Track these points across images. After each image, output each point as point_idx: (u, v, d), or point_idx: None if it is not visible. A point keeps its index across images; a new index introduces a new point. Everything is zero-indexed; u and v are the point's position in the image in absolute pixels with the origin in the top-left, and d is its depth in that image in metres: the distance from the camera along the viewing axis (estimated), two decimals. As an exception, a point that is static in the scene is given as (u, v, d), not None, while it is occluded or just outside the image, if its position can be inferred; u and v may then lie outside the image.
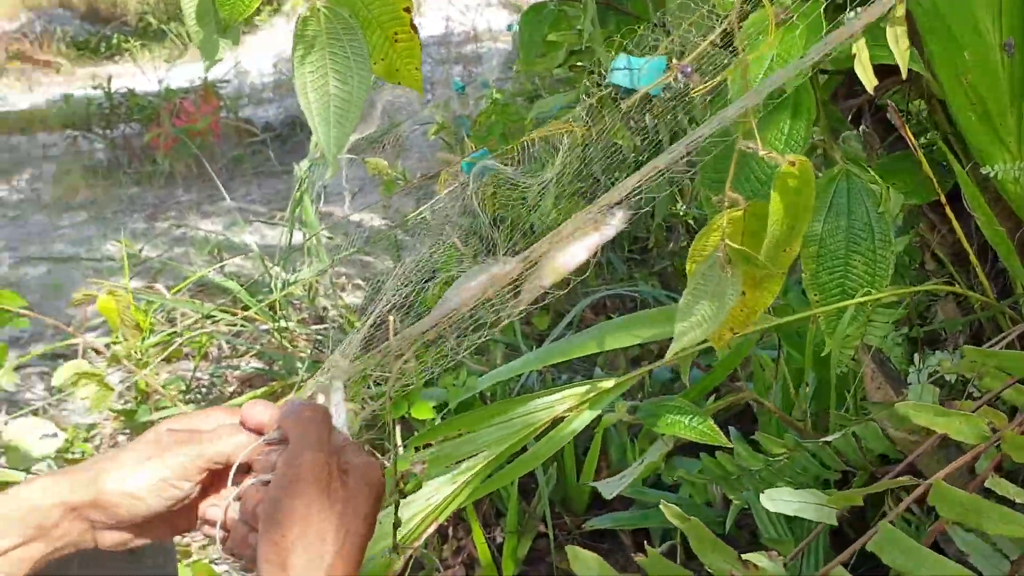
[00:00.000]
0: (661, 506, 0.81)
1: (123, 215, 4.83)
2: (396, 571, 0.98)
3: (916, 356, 1.19)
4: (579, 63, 1.37)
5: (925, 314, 1.27)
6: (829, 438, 0.96)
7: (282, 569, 0.65)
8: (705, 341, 0.88)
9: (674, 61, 0.84)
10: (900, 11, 0.66)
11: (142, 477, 0.67)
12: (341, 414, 0.78)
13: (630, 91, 0.99)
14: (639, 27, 1.02)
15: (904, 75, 0.70)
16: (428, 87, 7.27)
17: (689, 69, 0.77)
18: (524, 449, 1.02)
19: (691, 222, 2.76)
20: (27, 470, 1.37)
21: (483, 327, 0.82)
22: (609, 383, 0.96)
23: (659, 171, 0.70)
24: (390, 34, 0.92)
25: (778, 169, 0.73)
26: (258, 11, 9.62)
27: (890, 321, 1.07)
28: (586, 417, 0.95)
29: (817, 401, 1.43)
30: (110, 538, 0.70)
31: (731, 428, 1.65)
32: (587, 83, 1.12)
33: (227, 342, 2.50)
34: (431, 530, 0.90)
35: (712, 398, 1.68)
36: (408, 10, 0.92)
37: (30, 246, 4.30)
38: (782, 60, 0.91)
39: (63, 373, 1.63)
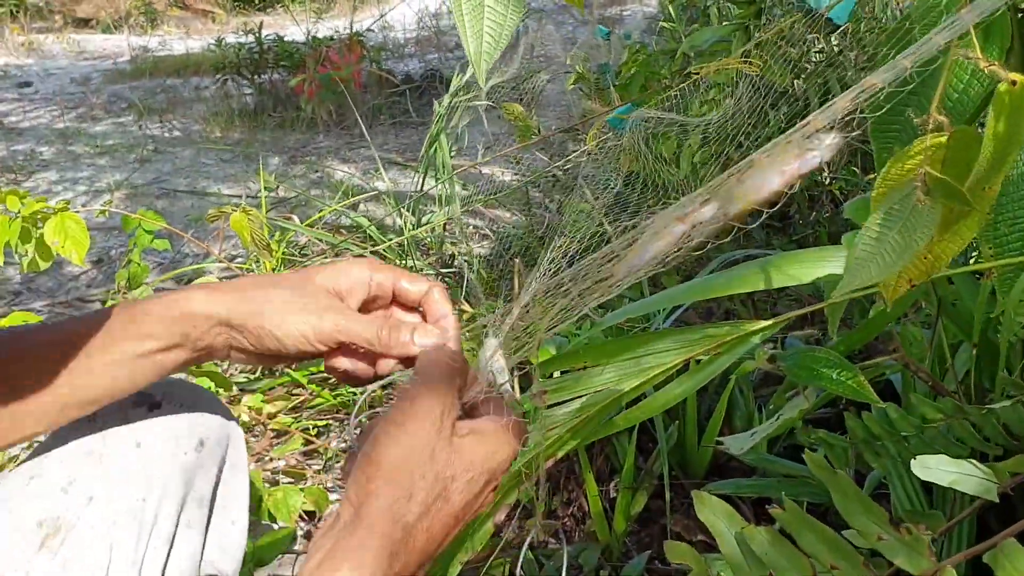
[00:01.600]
0: (805, 455, 0.73)
1: (266, 156, 4.95)
2: (503, 510, 0.94)
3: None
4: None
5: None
6: (995, 406, 0.86)
7: (357, 512, 0.59)
8: (865, 289, 0.79)
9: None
10: None
11: (293, 326, 0.70)
12: (497, 368, 0.72)
13: (810, 13, 0.90)
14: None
15: None
16: (569, 48, 7.18)
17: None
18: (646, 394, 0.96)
19: (836, 192, 2.61)
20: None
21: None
22: (752, 326, 0.88)
23: (878, 90, 0.60)
24: None
25: (998, 87, 0.64)
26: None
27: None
28: (723, 361, 0.87)
29: (975, 375, 1.31)
30: (240, 357, 0.74)
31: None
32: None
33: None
34: (544, 467, 0.84)
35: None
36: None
37: (178, 179, 4.45)
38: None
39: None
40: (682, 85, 1.13)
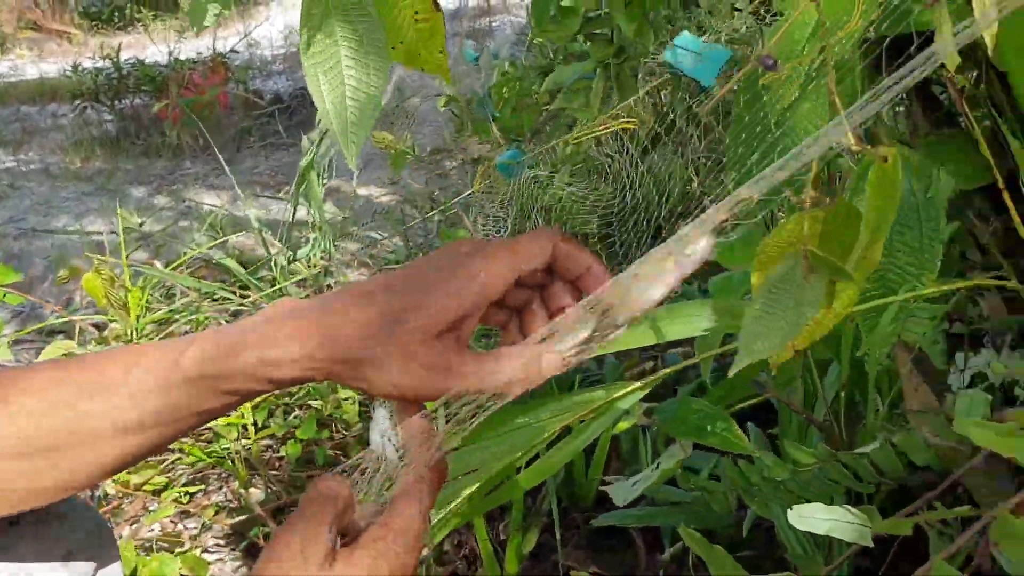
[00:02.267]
0: (680, 531, 0.72)
1: (129, 187, 4.75)
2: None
3: (957, 355, 1.10)
4: (597, 31, 1.27)
5: (967, 310, 1.17)
6: (866, 449, 0.87)
7: None
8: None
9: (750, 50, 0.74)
10: None
11: (388, 390, 0.58)
12: (388, 444, 0.66)
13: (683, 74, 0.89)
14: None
15: (991, 52, 0.60)
16: (442, 60, 7.14)
17: (772, 60, 0.66)
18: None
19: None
20: None
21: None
22: (621, 391, 0.87)
23: (750, 200, 0.59)
24: (409, 14, 0.81)
25: (874, 165, 0.63)
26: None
27: (933, 317, 0.98)
28: (600, 424, 0.86)
29: (842, 399, 1.34)
30: None
31: (750, 424, 1.56)
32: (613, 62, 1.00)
33: (226, 321, 2.42)
34: (427, 550, 0.81)
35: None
36: (430, -16, 0.81)
37: (36, 217, 4.23)
38: (829, 23, 0.81)
39: (49, 354, 1.55)
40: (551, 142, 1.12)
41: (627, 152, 0.86)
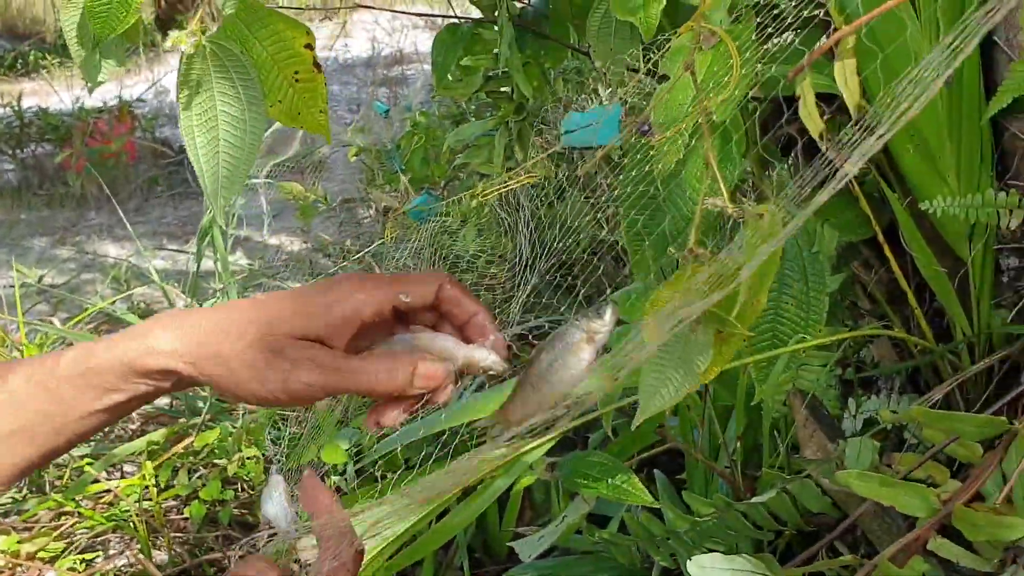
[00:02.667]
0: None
1: (31, 238, 4.60)
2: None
3: (850, 400, 1.13)
4: (497, 89, 1.29)
5: (858, 354, 1.21)
6: (762, 498, 0.89)
7: None
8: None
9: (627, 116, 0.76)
10: (850, 43, 0.59)
11: (256, 394, 0.59)
12: (280, 512, 0.65)
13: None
14: (563, 53, 0.95)
15: (853, 114, 0.63)
16: (355, 108, 7.16)
17: (647, 126, 0.68)
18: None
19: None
20: None
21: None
22: (526, 446, 0.87)
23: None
24: (289, 74, 0.82)
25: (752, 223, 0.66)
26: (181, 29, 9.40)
27: (824, 365, 1.01)
28: (500, 484, 0.86)
29: (745, 442, 1.36)
30: None
31: (656, 472, 1.58)
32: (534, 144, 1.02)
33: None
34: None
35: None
36: (310, 47, 0.82)
37: (-70, 271, 4.06)
38: (709, 88, 0.84)
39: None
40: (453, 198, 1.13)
41: (524, 208, 0.88)
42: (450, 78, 1.29)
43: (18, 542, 1.58)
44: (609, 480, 0.91)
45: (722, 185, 0.63)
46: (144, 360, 0.59)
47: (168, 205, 4.99)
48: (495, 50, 1.22)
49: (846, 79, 0.58)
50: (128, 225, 2.88)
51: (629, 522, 0.97)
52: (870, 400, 1.08)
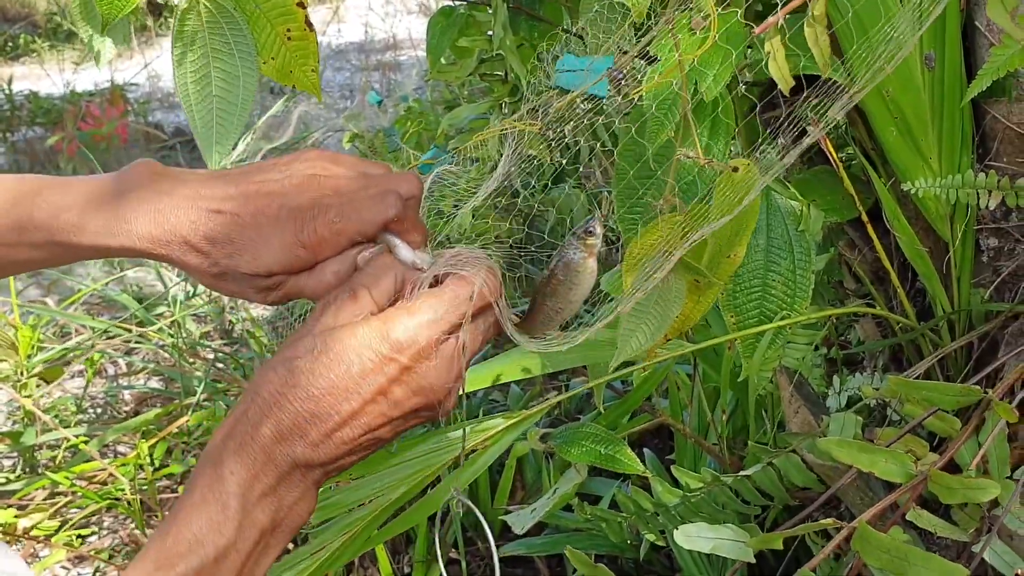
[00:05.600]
0: (567, 552, 0.74)
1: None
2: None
3: (835, 378, 1.16)
4: (491, 71, 1.31)
5: (844, 334, 1.24)
6: (748, 472, 0.91)
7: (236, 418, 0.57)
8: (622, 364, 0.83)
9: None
10: (820, 9, 0.61)
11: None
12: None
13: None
14: (555, 33, 0.97)
15: (824, 76, 0.66)
16: (348, 94, 7.15)
17: (619, 74, 0.71)
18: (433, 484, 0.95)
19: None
20: None
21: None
22: (515, 417, 0.90)
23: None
24: (281, 31, 0.84)
25: (720, 174, 0.69)
26: (166, 16, 9.37)
27: (809, 343, 1.03)
28: (493, 452, 0.88)
29: (734, 422, 1.39)
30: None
31: (646, 450, 1.61)
32: (530, 80, 1.02)
33: (122, 359, 2.37)
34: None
35: (628, 418, 1.63)
36: (302, 5, 0.84)
37: (-82, 255, 4.06)
38: (700, 71, 0.86)
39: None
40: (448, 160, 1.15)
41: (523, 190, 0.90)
42: (444, 61, 1.30)
43: (15, 516, 1.59)
44: (601, 449, 0.93)
45: (695, 138, 0.66)
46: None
47: (161, 189, 4.99)
48: (489, 32, 1.24)
49: (816, 38, 0.61)
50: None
51: (619, 498, 0.99)
52: (854, 378, 1.10)
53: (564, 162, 1.09)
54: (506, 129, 0.94)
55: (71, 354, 2.28)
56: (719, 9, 0.87)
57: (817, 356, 1.16)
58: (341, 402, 0.56)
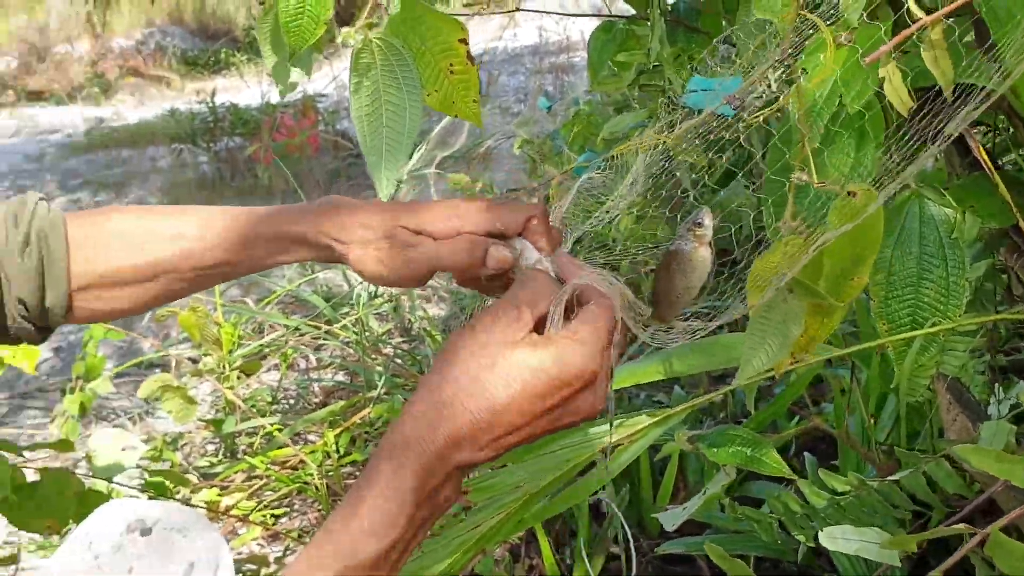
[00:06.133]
0: (706, 547, 0.78)
1: (223, 227, 4.98)
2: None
3: (996, 385, 1.13)
4: (649, 83, 1.35)
5: (1011, 340, 1.21)
6: (895, 477, 0.92)
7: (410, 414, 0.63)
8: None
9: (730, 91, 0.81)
10: (937, 34, 0.63)
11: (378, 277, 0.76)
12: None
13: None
14: (711, 44, 1.00)
15: (948, 97, 0.67)
16: (523, 97, 7.31)
17: (738, 101, 0.75)
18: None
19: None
20: (108, 479, 1.42)
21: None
22: (662, 415, 0.94)
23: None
24: (445, 66, 0.92)
25: (835, 200, 0.71)
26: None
27: (966, 350, 1.02)
28: (637, 448, 0.93)
29: (897, 428, 1.37)
30: None
31: (806, 454, 1.60)
32: (661, 103, 1.08)
33: (313, 354, 2.55)
34: (474, 562, 0.88)
35: (796, 420, 1.63)
36: (464, 41, 0.92)
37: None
38: (845, 85, 0.88)
39: (148, 387, 1.69)
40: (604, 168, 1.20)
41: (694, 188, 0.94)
42: (604, 73, 1.36)
43: (218, 494, 1.77)
44: (747, 452, 0.96)
45: (810, 162, 0.68)
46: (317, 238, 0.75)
47: (348, 195, 5.28)
48: (648, 46, 1.28)
49: (936, 60, 0.63)
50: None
51: (769, 500, 1.02)
52: (1017, 385, 1.08)
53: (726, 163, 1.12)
54: (642, 144, 0.99)
55: (267, 349, 2.48)
56: (864, 21, 0.89)
57: (980, 363, 1.14)
58: (514, 417, 0.63)
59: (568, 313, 0.68)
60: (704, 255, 0.71)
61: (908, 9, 0.80)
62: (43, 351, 3.21)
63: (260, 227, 0.77)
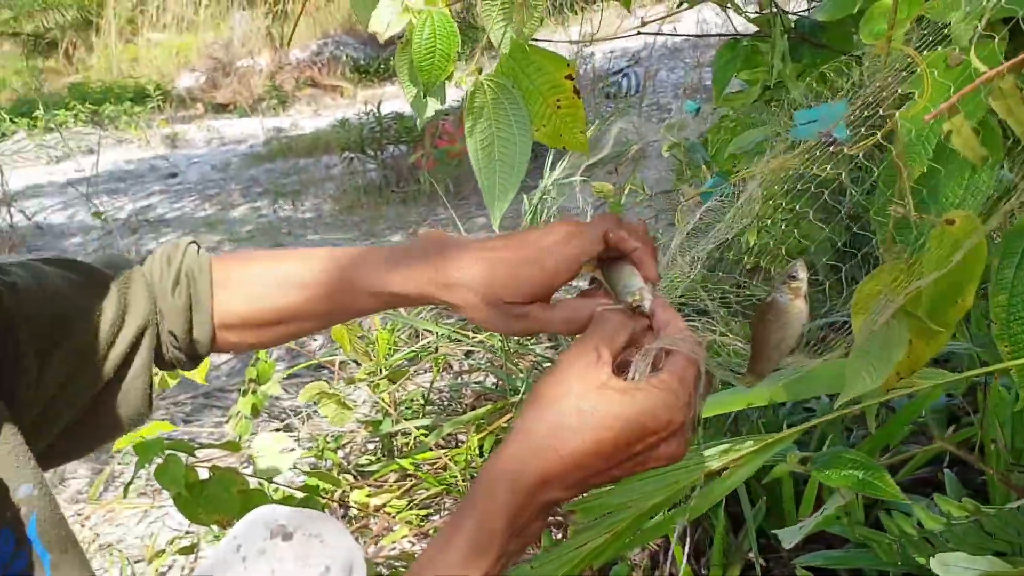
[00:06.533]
0: (876, 546, 0.79)
1: (389, 232, 5.21)
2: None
3: None
4: (776, 98, 1.35)
5: None
6: (1013, 504, 0.90)
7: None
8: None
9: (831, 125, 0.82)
10: (1008, 83, 0.63)
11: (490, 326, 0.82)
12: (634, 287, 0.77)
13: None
14: (838, 60, 1.01)
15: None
16: (679, 93, 7.24)
17: (832, 136, 0.76)
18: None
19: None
20: (269, 480, 1.55)
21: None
22: (769, 439, 0.95)
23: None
24: (552, 102, 0.97)
25: (932, 228, 0.72)
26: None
27: (1103, 374, 0.98)
28: (744, 472, 0.95)
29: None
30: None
31: (947, 472, 1.55)
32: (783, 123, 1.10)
33: (463, 360, 2.66)
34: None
35: (952, 429, 1.58)
36: (571, 77, 0.97)
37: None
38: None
39: (307, 393, 1.82)
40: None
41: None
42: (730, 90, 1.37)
43: (367, 495, 1.89)
44: (859, 475, 0.96)
45: (907, 192, 0.69)
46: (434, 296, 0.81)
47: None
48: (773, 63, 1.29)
49: (1011, 111, 0.62)
50: (458, 221, 3.20)
51: (884, 520, 1.01)
52: None
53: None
54: (762, 171, 1.01)
55: (421, 354, 2.60)
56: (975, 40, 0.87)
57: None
58: (600, 461, 0.67)
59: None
60: (800, 307, 0.73)
61: None
62: (220, 356, 3.48)
63: (369, 280, 0.84)
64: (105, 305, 0.85)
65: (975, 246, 0.74)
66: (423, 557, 0.69)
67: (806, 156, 0.95)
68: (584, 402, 0.68)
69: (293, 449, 1.55)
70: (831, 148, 0.79)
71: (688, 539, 1.80)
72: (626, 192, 2.97)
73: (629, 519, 0.90)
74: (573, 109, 0.97)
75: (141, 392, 0.87)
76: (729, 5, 1.34)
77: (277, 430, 2.73)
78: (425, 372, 2.75)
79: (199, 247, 0.90)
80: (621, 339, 0.71)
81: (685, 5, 1.45)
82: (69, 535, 0.76)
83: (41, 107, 10.96)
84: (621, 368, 0.70)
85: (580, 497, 0.95)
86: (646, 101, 7.07)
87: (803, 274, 0.73)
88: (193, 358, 0.89)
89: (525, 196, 2.89)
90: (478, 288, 0.79)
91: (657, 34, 1.56)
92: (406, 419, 2.30)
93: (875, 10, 0.92)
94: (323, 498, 1.64)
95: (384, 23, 1.05)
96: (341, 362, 2.67)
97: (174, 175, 8.10)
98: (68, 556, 0.75)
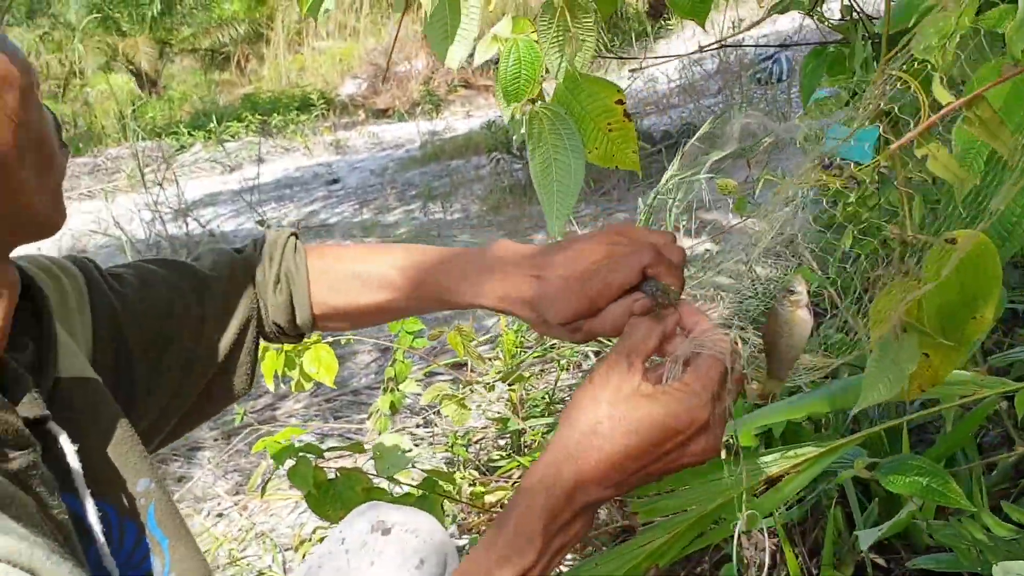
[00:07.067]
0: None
1: (533, 232, 5.32)
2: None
3: None
4: (860, 103, 1.34)
5: None
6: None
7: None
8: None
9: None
10: (985, 111, 0.64)
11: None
12: None
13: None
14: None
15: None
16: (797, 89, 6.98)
17: (828, 162, 0.79)
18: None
19: None
20: (390, 478, 1.67)
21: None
22: (827, 446, 0.98)
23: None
24: (603, 125, 1.03)
25: (936, 245, 0.73)
26: (665, 19, 9.91)
27: None
28: (804, 478, 0.97)
29: None
30: None
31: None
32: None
33: (581, 359, 2.72)
34: None
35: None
36: (621, 102, 1.02)
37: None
38: (1007, 115, 0.87)
39: (430, 394, 1.94)
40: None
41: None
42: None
43: (483, 491, 1.98)
44: (925, 482, 0.97)
45: (907, 212, 0.71)
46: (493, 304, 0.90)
47: (647, 194, 5.41)
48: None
49: (995, 135, 0.63)
50: (569, 221, 3.23)
51: (955, 525, 1.01)
52: None
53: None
54: (803, 184, 1.03)
55: (548, 352, 2.68)
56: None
57: None
58: (633, 462, 0.73)
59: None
60: (802, 316, 0.76)
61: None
62: (369, 354, 3.67)
63: (439, 288, 0.95)
64: (208, 305, 0.99)
65: (984, 259, 0.74)
66: (470, 556, 0.76)
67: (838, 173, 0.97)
68: (615, 409, 0.74)
69: (410, 451, 1.66)
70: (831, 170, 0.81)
71: (801, 539, 1.80)
72: (760, 185, 2.95)
73: (690, 521, 0.95)
74: (624, 131, 1.03)
75: (244, 376, 1.03)
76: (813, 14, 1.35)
77: (418, 426, 2.88)
78: (553, 371, 2.83)
79: (297, 242, 1.04)
80: (651, 344, 0.77)
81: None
82: (182, 522, 0.89)
83: (215, 119, 11.73)
84: (656, 367, 0.76)
85: (641, 499, 1.01)
86: (794, 88, 6.88)
87: (801, 287, 0.76)
88: (298, 336, 1.05)
89: (640, 198, 2.91)
90: (532, 307, 0.87)
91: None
92: (533, 417, 2.39)
93: (926, 26, 0.92)
94: (440, 495, 1.74)
95: (457, 59, 1.13)
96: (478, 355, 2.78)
97: (336, 181, 8.50)
98: (183, 540, 0.88)
